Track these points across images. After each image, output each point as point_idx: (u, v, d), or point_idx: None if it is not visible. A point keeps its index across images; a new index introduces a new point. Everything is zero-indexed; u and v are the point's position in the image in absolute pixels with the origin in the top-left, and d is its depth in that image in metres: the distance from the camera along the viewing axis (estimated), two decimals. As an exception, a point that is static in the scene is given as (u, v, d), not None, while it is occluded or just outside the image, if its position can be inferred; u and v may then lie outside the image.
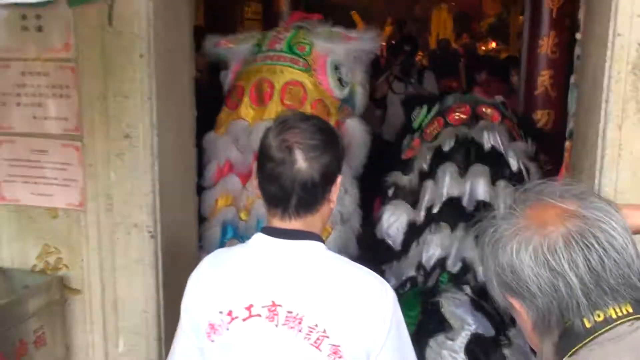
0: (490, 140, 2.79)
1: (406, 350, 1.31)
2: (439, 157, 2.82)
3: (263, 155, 1.31)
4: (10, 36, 2.25)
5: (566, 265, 0.85)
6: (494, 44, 10.83)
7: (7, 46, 2.27)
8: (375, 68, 6.11)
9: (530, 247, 0.87)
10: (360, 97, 2.97)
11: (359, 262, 1.36)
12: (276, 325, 1.28)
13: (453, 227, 2.65)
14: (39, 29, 2.22)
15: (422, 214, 2.75)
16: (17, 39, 2.25)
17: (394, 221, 2.80)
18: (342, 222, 2.78)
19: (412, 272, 2.70)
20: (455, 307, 2.30)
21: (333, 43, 2.81)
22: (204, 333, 1.32)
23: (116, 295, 2.30)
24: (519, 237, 0.89)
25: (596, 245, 0.85)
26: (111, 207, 2.25)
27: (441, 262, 2.62)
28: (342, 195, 2.76)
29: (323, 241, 1.35)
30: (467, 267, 2.56)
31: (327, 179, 1.30)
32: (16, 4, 2.11)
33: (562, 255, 0.85)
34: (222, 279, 1.36)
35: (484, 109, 2.97)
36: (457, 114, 2.95)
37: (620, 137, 1.86)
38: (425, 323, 2.34)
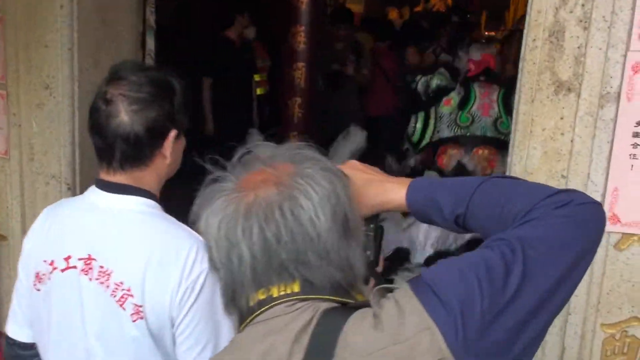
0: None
1: (220, 320, 1.21)
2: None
3: (91, 106, 1.27)
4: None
5: (240, 235, 0.74)
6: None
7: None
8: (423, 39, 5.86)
9: (219, 215, 0.77)
10: None
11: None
12: (90, 279, 1.25)
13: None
14: (-29, -22, 2.23)
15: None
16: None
17: None
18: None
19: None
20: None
21: None
22: (32, 281, 1.31)
23: (35, 244, 2.31)
24: (216, 203, 0.78)
25: (276, 215, 0.73)
26: (33, 157, 2.24)
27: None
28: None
29: (155, 197, 1.31)
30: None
31: (155, 133, 1.25)
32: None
33: (239, 223, 0.75)
34: (52, 228, 1.34)
35: None
36: None
37: (532, 111, 1.70)
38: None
